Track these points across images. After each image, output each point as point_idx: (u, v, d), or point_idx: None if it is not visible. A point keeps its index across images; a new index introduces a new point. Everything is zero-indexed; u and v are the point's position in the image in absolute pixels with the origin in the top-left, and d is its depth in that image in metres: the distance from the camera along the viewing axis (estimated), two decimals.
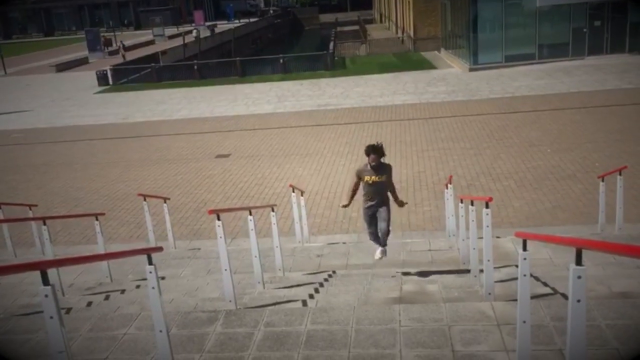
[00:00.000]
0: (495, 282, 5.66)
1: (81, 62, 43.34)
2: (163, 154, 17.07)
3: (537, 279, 6.08)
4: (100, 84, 31.52)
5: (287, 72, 30.84)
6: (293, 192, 9.41)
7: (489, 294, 5.44)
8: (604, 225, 8.83)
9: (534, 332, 4.00)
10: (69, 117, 23.93)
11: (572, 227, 9.61)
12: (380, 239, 7.12)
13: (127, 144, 18.78)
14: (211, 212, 5.73)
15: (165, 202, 9.88)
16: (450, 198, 8.81)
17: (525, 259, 3.76)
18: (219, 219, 5.58)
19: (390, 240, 7.31)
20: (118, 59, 39.74)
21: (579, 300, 3.17)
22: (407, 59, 32.81)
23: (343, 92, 24.34)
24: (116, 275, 7.70)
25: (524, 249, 3.81)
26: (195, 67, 32.20)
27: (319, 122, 19.44)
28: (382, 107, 20.82)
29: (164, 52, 38.51)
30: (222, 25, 61.53)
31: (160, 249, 4.92)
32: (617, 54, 25.51)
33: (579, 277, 3.14)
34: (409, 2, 36.65)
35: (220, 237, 5.58)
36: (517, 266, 4.13)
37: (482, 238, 5.51)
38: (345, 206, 7.47)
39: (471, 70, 25.92)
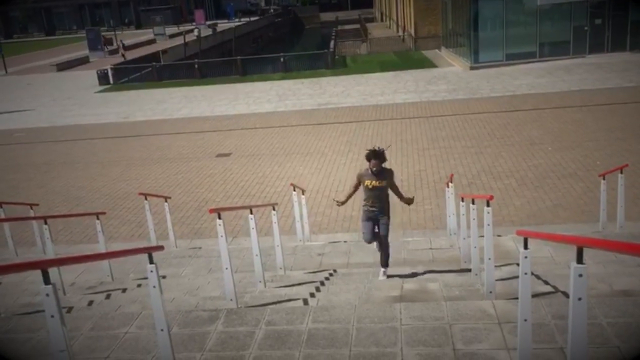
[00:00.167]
0: (496, 280, 5.66)
1: (82, 62, 43.36)
2: (164, 153, 17.07)
3: (538, 277, 6.08)
4: (101, 83, 31.54)
5: (288, 71, 30.84)
6: (294, 190, 9.41)
7: (490, 292, 5.44)
8: (605, 224, 8.83)
9: (535, 330, 4.00)
10: (70, 116, 23.94)
11: (573, 225, 9.61)
12: (377, 244, 7.10)
13: (128, 143, 18.79)
14: (212, 211, 5.73)
15: (166, 201, 9.89)
16: (451, 196, 8.80)
17: (526, 257, 3.76)
18: (219, 218, 5.58)
19: (390, 239, 7.30)
20: (119, 59, 39.75)
21: (580, 299, 3.17)
22: (407, 58, 32.80)
23: (344, 91, 24.33)
24: (117, 274, 7.70)
25: (525, 247, 3.81)
26: (196, 66, 32.21)
27: (319, 120, 19.43)
28: (383, 106, 20.81)
29: (164, 51, 38.53)
30: (223, 24, 61.51)
31: (161, 247, 4.92)
32: (618, 52, 25.47)
33: (580, 275, 3.14)
34: (409, 0, 36.62)
35: (221, 236, 5.58)
36: (518, 264, 4.13)
37: (483, 236, 5.51)
38: (339, 203, 7.38)
39: (472, 68, 25.90)
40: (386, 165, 6.98)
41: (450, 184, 9.15)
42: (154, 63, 33.61)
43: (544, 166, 12.80)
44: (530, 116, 17.40)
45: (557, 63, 25.14)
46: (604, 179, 8.80)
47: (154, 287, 3.94)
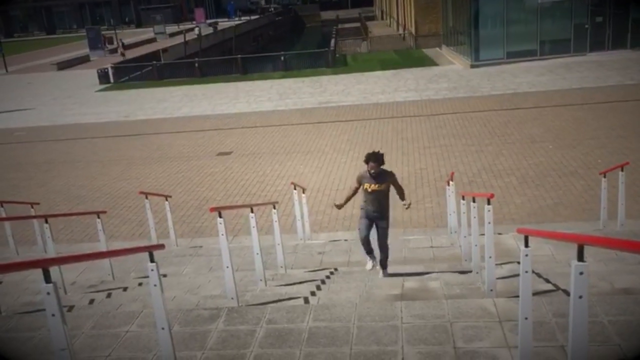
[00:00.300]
0: (497, 278, 5.66)
1: (82, 60, 43.36)
2: (164, 151, 17.07)
3: (539, 275, 6.08)
4: (101, 82, 31.53)
5: (289, 69, 30.81)
6: (294, 189, 9.41)
7: (491, 290, 5.44)
8: (606, 222, 8.83)
9: (535, 328, 4.00)
10: (70, 115, 23.94)
11: (574, 223, 9.61)
12: (371, 248, 7.01)
13: (129, 142, 18.80)
14: (213, 209, 5.73)
15: (166, 200, 9.89)
16: (452, 195, 8.80)
17: (527, 255, 3.76)
18: (220, 217, 5.59)
19: (391, 237, 7.30)
20: (119, 57, 39.75)
21: (580, 297, 3.17)
22: (408, 56, 32.77)
23: (344, 90, 24.32)
24: (118, 273, 7.71)
25: (526, 245, 3.81)
26: (197, 64, 32.20)
27: (320, 119, 19.43)
28: (383, 104, 20.79)
29: (165, 50, 38.50)
30: (223, 23, 61.52)
31: (162, 246, 4.92)
32: (619, 50, 25.44)
33: (581, 274, 3.14)
34: None
35: (222, 235, 5.58)
36: (518, 263, 4.13)
37: (483, 235, 5.50)
38: (338, 206, 7.35)
39: (473, 66, 25.87)
40: (386, 167, 6.93)
41: (451, 182, 9.15)
42: (154, 62, 33.60)
43: (544, 164, 12.79)
44: (531, 114, 17.39)
45: (557, 61, 25.11)
46: (604, 176, 8.79)
47: (155, 285, 3.94)
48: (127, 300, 6.42)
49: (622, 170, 8.54)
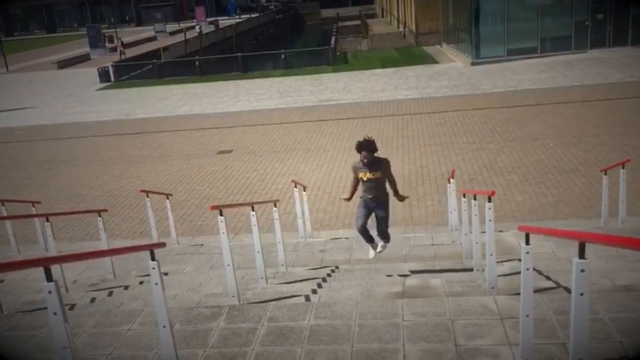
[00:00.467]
0: (498, 276, 5.66)
1: (83, 59, 43.35)
2: (165, 150, 17.08)
3: (540, 272, 6.08)
4: (102, 81, 31.53)
5: (289, 67, 30.79)
6: (295, 187, 9.41)
7: (492, 288, 5.44)
8: (607, 219, 8.82)
9: (537, 325, 4.00)
10: (71, 114, 23.95)
11: (575, 220, 9.61)
12: (369, 235, 6.94)
13: (130, 140, 18.80)
14: (214, 207, 5.73)
15: (167, 198, 9.89)
16: (453, 192, 8.79)
17: (528, 252, 3.76)
18: (221, 215, 5.58)
19: (392, 235, 7.29)
20: (119, 56, 39.73)
21: (582, 294, 3.17)
22: (408, 54, 32.75)
23: (345, 87, 24.31)
24: (119, 272, 7.71)
25: (527, 242, 3.81)
26: (197, 63, 32.18)
27: (320, 117, 19.42)
28: (384, 102, 20.78)
29: (165, 49, 38.49)
30: (223, 21, 61.49)
31: (163, 244, 4.93)
32: (619, 47, 25.40)
33: (582, 271, 3.14)
34: None
35: (223, 233, 5.58)
36: (520, 260, 4.13)
37: (484, 232, 5.50)
38: (346, 199, 7.31)
39: (473, 64, 25.85)
40: (379, 154, 6.79)
41: (451, 180, 9.14)
42: (154, 60, 33.60)
43: (545, 162, 12.78)
44: (532, 112, 17.38)
45: (558, 58, 25.08)
46: (605, 174, 8.78)
47: (156, 284, 3.95)
48: (129, 298, 6.42)
49: (623, 168, 8.53)
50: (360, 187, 6.94)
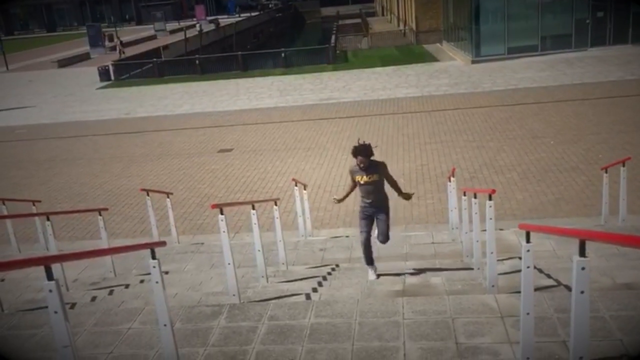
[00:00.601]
0: (499, 274, 5.66)
1: (83, 58, 43.32)
2: (165, 149, 17.08)
3: (540, 271, 6.08)
4: (102, 80, 31.51)
5: (289, 66, 30.78)
6: (296, 186, 9.41)
7: (493, 286, 5.44)
8: (608, 217, 8.82)
9: (537, 324, 4.00)
10: (71, 113, 23.95)
11: (575, 219, 9.60)
12: (371, 254, 6.78)
13: (130, 139, 18.80)
14: (214, 206, 5.73)
15: (168, 197, 9.89)
16: (453, 191, 8.79)
17: (528, 250, 3.76)
18: (222, 214, 5.58)
19: (393, 233, 7.28)
20: (118, 55, 39.71)
21: (582, 292, 3.17)
22: (409, 52, 32.73)
23: (345, 86, 24.30)
24: (120, 270, 7.72)
25: (527, 241, 3.81)
26: (197, 61, 32.16)
27: (321, 116, 19.42)
28: (384, 101, 20.77)
29: (165, 47, 38.47)
30: (223, 20, 61.46)
31: (163, 243, 4.93)
32: (620, 45, 25.38)
33: (583, 269, 3.14)
34: None
35: (224, 232, 5.58)
36: (520, 258, 4.13)
37: (485, 231, 5.50)
38: (337, 200, 7.16)
39: (473, 62, 25.83)
40: (376, 158, 6.68)
41: (452, 178, 9.14)
42: (155, 59, 33.59)
43: (545, 160, 12.78)
44: (532, 110, 17.37)
45: (559, 56, 25.06)
46: (606, 172, 8.78)
47: (157, 282, 3.95)
48: (129, 297, 6.43)
49: (623, 166, 8.52)
50: (358, 193, 6.82)
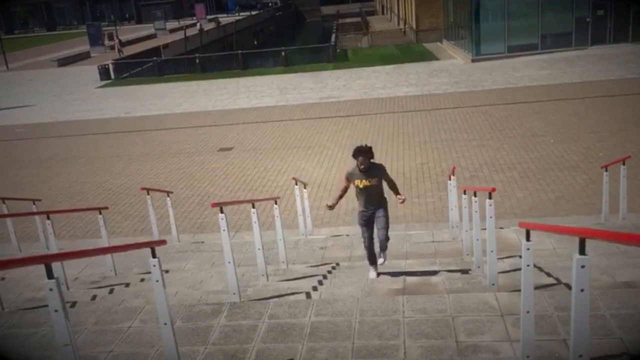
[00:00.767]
0: (499, 272, 5.66)
1: (83, 57, 43.31)
2: (166, 147, 17.08)
3: (540, 269, 6.08)
4: (102, 79, 31.51)
5: (289, 64, 30.78)
6: (296, 184, 9.41)
7: (493, 284, 5.44)
8: (608, 215, 8.83)
9: (537, 322, 4.00)
10: (71, 112, 23.95)
11: (575, 217, 9.60)
12: (375, 255, 6.75)
13: (130, 138, 18.80)
14: (214, 205, 5.73)
15: (168, 195, 9.89)
16: (454, 189, 8.79)
17: (528, 249, 3.76)
18: (222, 212, 5.58)
19: (393, 232, 7.28)
20: (118, 54, 39.69)
21: (582, 290, 3.17)
22: (409, 51, 32.71)
23: (345, 85, 24.29)
24: (120, 269, 7.72)
25: (528, 239, 3.81)
26: (197, 60, 32.15)
27: (321, 114, 19.41)
28: (384, 99, 20.77)
29: (165, 46, 38.45)
30: (223, 19, 61.43)
31: (163, 242, 4.93)
32: (620, 43, 25.37)
33: (583, 267, 3.14)
34: None
35: (224, 230, 5.58)
36: (520, 257, 4.13)
37: (485, 229, 5.50)
38: (329, 207, 6.93)
39: (473, 61, 25.83)
40: (376, 159, 6.62)
41: (452, 176, 9.14)
42: (155, 58, 33.58)
43: (546, 158, 12.78)
44: (532, 108, 17.36)
45: (559, 55, 25.05)
46: (606, 170, 8.78)
47: (157, 281, 3.95)
48: (130, 296, 6.43)
49: (623, 164, 8.53)
50: (356, 197, 6.73)
